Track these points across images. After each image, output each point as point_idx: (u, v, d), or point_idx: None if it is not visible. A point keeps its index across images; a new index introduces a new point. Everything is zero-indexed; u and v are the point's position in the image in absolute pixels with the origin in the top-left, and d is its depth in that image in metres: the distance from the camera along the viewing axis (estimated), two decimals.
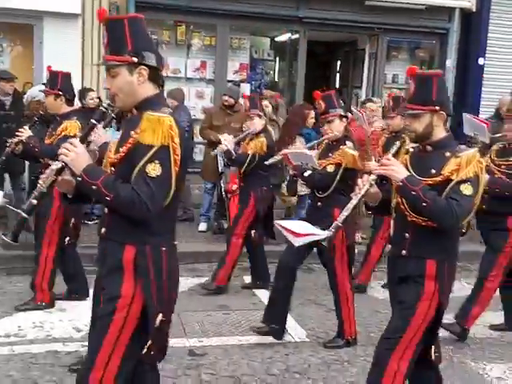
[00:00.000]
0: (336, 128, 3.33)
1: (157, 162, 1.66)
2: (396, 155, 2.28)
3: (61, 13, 6.24)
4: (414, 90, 2.26)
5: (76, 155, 1.72)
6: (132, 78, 1.76)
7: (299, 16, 6.80)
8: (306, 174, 3.41)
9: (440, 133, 2.20)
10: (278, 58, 8.19)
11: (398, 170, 2.12)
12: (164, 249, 1.79)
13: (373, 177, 2.18)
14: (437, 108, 2.15)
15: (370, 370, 2.23)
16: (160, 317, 1.76)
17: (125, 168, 1.73)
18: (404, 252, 2.22)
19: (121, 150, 1.74)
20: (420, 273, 2.17)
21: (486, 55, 7.14)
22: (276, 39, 8.03)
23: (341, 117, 3.39)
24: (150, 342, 1.78)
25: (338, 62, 8.85)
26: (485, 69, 7.05)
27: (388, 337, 2.23)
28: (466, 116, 4.30)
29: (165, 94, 4.78)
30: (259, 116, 4.09)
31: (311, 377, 3.03)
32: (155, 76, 1.82)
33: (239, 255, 4.12)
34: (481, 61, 7.07)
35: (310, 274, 4.76)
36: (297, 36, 7.27)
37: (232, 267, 4.09)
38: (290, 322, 3.66)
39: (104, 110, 1.88)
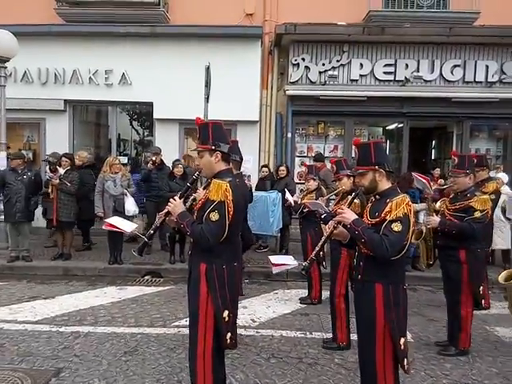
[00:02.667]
0: (344, 184, 4.17)
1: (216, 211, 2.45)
2: (351, 205, 2.79)
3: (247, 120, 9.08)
4: (358, 155, 2.68)
5: (174, 205, 2.58)
6: (211, 159, 2.61)
7: (403, 112, 9.05)
8: (322, 216, 4.38)
9: (384, 185, 2.60)
10: (388, 141, 10.26)
11: (348, 216, 2.52)
12: (224, 266, 2.57)
13: (334, 222, 2.63)
14: (376, 167, 2.57)
15: None
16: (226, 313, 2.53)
17: (200, 214, 2.54)
18: (359, 277, 2.62)
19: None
20: (371, 294, 2.50)
21: None
22: (387, 128, 10.17)
23: (348, 176, 4.14)
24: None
25: (433, 141, 10.92)
26: None
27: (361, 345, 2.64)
28: (414, 174, 5.20)
29: None
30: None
31: (415, 367, 3.73)
32: (227, 158, 2.66)
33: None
34: None
35: (414, 292, 6.01)
36: (401, 125, 9.41)
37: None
38: None
39: (195, 177, 2.70)
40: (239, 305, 5.08)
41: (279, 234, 7.61)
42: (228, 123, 8.66)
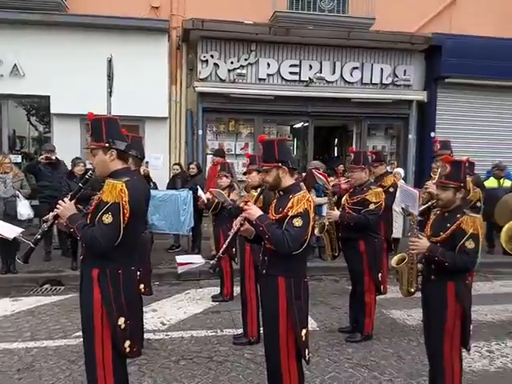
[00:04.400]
0: (253, 178, 4.19)
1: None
2: (257, 201, 2.82)
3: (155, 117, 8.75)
4: (263, 152, 2.72)
5: (63, 208, 2.40)
6: (105, 157, 2.41)
7: (308, 111, 9.35)
8: (228, 208, 4.69)
9: (287, 182, 2.65)
10: (295, 139, 10.75)
11: (253, 212, 2.53)
12: (120, 271, 2.39)
13: (241, 218, 2.64)
14: (279, 164, 2.60)
15: None
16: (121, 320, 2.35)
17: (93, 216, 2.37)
18: (264, 271, 2.68)
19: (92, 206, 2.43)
20: (274, 287, 2.57)
21: (436, 130, 9.52)
22: (294, 126, 10.59)
23: (257, 171, 4.06)
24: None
25: (336, 140, 11.53)
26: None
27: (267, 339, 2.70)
28: (313, 172, 5.21)
29: None
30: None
31: (320, 355, 3.91)
32: (123, 156, 2.48)
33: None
34: (432, 134, 9.33)
35: (319, 282, 6.40)
36: (307, 124, 9.76)
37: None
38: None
39: (88, 176, 2.50)
40: (148, 308, 4.96)
41: (191, 233, 7.49)
42: (135, 119, 8.58)
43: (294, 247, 2.48)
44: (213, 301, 5.49)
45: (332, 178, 7.02)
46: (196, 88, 8.90)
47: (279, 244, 2.46)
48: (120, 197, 2.32)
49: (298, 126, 10.53)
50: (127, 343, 2.46)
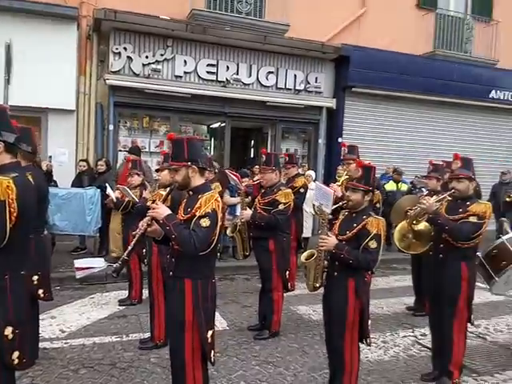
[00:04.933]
0: (164, 176, 4.06)
1: None
2: (165, 200, 2.68)
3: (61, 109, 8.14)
4: (172, 151, 2.66)
5: None
6: None
7: (225, 112, 9.32)
8: (136, 206, 4.58)
9: (196, 181, 2.58)
10: (213, 139, 10.69)
11: (161, 212, 2.45)
12: (7, 277, 2.17)
13: (148, 218, 2.55)
14: (189, 163, 2.52)
15: None
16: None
17: None
18: (171, 273, 2.60)
19: None
20: (181, 290, 2.50)
21: (343, 135, 10.04)
22: (211, 126, 10.53)
23: (169, 170, 3.72)
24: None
25: (252, 141, 11.72)
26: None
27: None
28: (226, 172, 5.17)
29: None
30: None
31: (228, 354, 3.90)
32: (12, 149, 2.28)
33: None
34: (340, 139, 9.74)
35: (231, 281, 6.49)
36: (224, 124, 9.67)
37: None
38: (217, 317, 4.16)
39: None
40: (46, 315, 4.60)
41: (98, 235, 7.10)
42: (37, 110, 7.98)
43: (201, 248, 2.43)
44: (120, 305, 5.24)
45: (247, 179, 7.09)
46: (107, 81, 8.46)
47: (186, 245, 2.40)
48: (6, 194, 2.11)
49: (215, 125, 10.50)
50: (15, 354, 2.26)
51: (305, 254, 3.30)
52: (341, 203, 3.25)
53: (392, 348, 4.37)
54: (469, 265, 3.42)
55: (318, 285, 3.33)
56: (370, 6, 10.57)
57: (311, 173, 8.60)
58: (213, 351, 2.63)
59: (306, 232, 7.41)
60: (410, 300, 5.83)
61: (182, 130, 9.54)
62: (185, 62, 9.04)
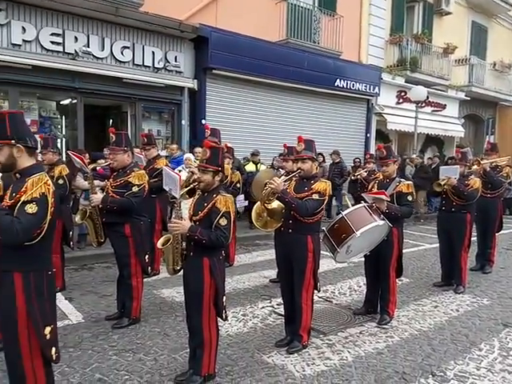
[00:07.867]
0: None
1: None
2: None
3: None
4: None
5: None
6: None
7: (75, 87, 8.52)
8: None
9: (24, 162, 2.34)
10: (64, 117, 9.67)
11: None
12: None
13: None
14: (12, 142, 2.29)
15: None
16: None
17: None
18: None
19: None
20: (9, 285, 2.26)
21: (206, 117, 10.07)
22: (61, 103, 9.51)
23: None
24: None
25: (111, 120, 10.94)
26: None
27: None
28: (70, 154, 4.79)
29: None
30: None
31: (82, 348, 3.69)
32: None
33: None
34: (203, 121, 9.74)
35: (90, 271, 6.20)
36: (75, 101, 8.83)
37: None
38: (72, 310, 4.52)
39: None
40: None
41: None
42: None
43: (25, 237, 2.20)
44: None
45: (103, 161, 6.59)
46: None
47: (7, 233, 2.15)
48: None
49: (66, 102, 9.49)
50: (53, 350, 2.42)
51: (161, 240, 3.25)
52: (192, 185, 3.26)
53: (251, 320, 4.60)
54: (314, 238, 3.75)
55: (178, 267, 3.31)
56: None
57: (189, 155, 8.27)
58: (54, 348, 2.43)
59: None
60: (270, 273, 6.23)
61: (24, 106, 8.52)
62: (23, 28, 7.95)
